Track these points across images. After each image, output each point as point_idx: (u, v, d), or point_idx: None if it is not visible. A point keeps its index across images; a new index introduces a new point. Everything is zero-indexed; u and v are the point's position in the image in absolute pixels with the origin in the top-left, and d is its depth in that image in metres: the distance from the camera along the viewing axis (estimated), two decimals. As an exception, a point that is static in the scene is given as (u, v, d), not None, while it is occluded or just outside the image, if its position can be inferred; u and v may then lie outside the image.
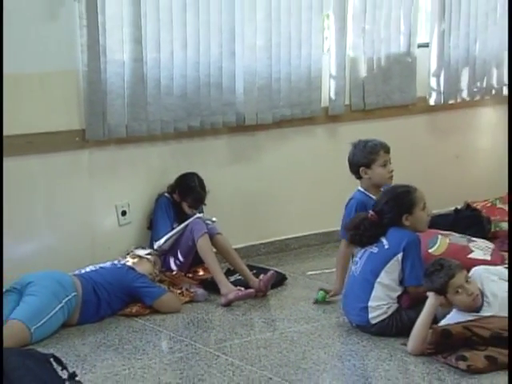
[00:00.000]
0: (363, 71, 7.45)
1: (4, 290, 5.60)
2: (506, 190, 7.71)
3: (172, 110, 6.54)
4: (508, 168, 5.91)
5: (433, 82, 7.79)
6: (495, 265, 5.99)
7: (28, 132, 5.97)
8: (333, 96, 7.31)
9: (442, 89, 7.77)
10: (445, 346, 5.04)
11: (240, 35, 6.78)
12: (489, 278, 5.43)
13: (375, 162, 6.14)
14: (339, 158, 6.57)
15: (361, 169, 6.17)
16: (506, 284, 5.43)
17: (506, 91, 8.11)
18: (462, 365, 4.84)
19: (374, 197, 6.08)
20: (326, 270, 6.64)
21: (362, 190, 6.22)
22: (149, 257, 6.19)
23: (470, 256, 6.24)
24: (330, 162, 6.97)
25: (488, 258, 6.25)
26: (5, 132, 5.76)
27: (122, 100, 6.34)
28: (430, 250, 6.06)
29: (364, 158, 6.16)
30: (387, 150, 6.19)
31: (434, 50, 7.77)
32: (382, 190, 6.12)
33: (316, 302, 5.96)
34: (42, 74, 6.00)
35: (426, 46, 7.83)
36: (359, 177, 6.23)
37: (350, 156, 6.26)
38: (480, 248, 6.33)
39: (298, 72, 7.09)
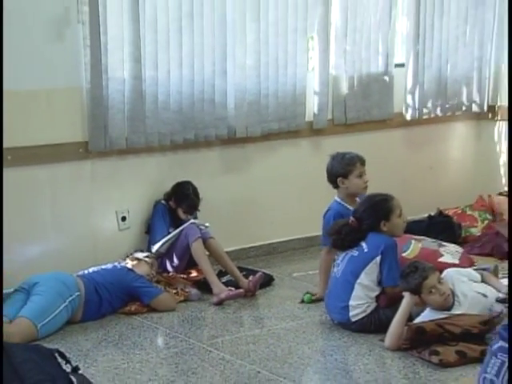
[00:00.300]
0: (345, 88, 7.43)
1: (12, 289, 5.66)
2: (475, 198, 7.81)
3: (168, 124, 6.53)
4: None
5: (408, 99, 7.79)
6: (464, 267, 6.06)
7: (36, 144, 5.95)
8: (316, 111, 7.30)
9: (416, 105, 7.77)
10: (419, 341, 5.10)
11: (231, 55, 6.76)
12: (459, 279, 5.49)
13: (352, 173, 6.18)
14: (322, 169, 6.51)
15: (338, 179, 6.20)
16: (475, 284, 5.52)
17: (475, 108, 8.15)
18: (435, 359, 4.91)
19: (349, 207, 6.15)
20: (310, 272, 6.62)
21: (338, 200, 6.26)
22: (147, 259, 6.17)
23: (440, 260, 6.34)
24: (313, 172, 6.92)
25: (456, 261, 6.37)
26: (14, 144, 5.83)
27: (122, 114, 6.31)
28: (403, 254, 6.12)
29: (342, 168, 6.19)
30: (363, 162, 6.25)
31: (410, 69, 7.79)
32: (357, 199, 6.19)
33: (302, 302, 6.01)
34: (48, 91, 5.99)
35: (402, 65, 7.83)
36: (336, 186, 6.26)
37: (329, 167, 6.30)
38: (450, 253, 6.43)
39: (285, 89, 7.07)
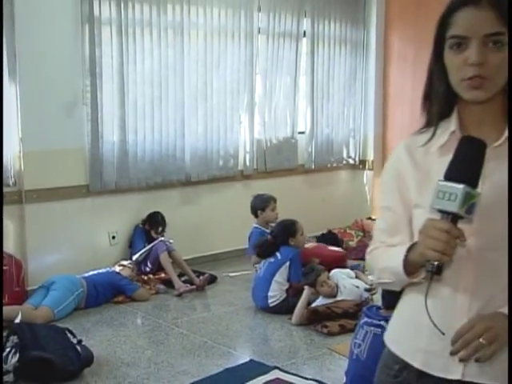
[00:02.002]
0: (264, 147, 7.37)
1: (37, 286, 5.64)
2: (352, 221, 7.94)
3: (144, 172, 6.46)
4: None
5: (306, 155, 7.77)
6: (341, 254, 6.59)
7: (53, 186, 5.90)
8: (246, 162, 7.24)
9: (313, 159, 7.75)
10: (314, 319, 5.19)
11: (187, 125, 6.69)
12: (341, 276, 5.65)
13: (267, 208, 6.36)
14: (249, 203, 6.70)
15: (258, 211, 6.39)
16: (351, 280, 5.65)
17: (351, 161, 8.24)
18: (325, 330, 5.03)
19: (265, 230, 6.29)
20: (242, 272, 6.60)
21: (257, 225, 6.39)
22: (129, 265, 6.11)
23: (329, 248, 6.67)
24: (244, 205, 6.88)
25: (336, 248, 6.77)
26: (39, 187, 5.82)
27: (112, 166, 6.24)
28: (306, 246, 6.23)
29: (260, 204, 6.41)
30: (275, 200, 6.45)
31: (308, 135, 7.72)
32: (270, 225, 6.33)
33: None
34: (62, 150, 5.95)
35: (303, 133, 7.75)
36: (256, 216, 6.42)
37: (252, 203, 6.45)
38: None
39: (224, 147, 7.01)
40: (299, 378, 4.32)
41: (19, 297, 5.55)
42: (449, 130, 1.76)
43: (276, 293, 5.57)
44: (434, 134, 1.78)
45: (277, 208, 6.50)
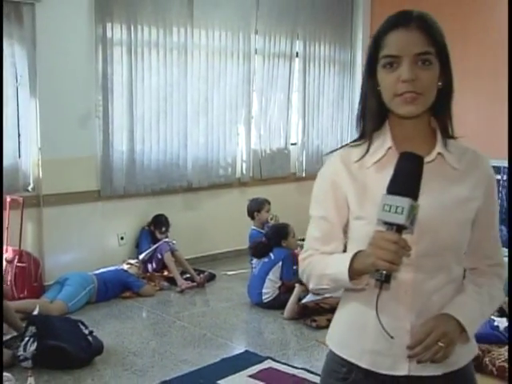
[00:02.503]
0: (260, 157, 7.30)
1: (52, 282, 5.65)
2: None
3: (150, 178, 6.44)
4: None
5: (298, 164, 7.73)
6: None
7: (68, 191, 5.93)
8: (243, 171, 7.25)
9: (304, 168, 7.72)
10: (304, 314, 5.22)
11: (190, 136, 6.69)
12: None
13: (263, 209, 6.34)
14: (246, 208, 6.72)
15: (254, 213, 6.37)
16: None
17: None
18: (314, 324, 5.06)
19: (261, 231, 6.26)
20: (239, 271, 6.60)
21: (254, 227, 6.36)
22: (136, 264, 6.11)
23: None
24: (240, 209, 6.81)
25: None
26: (56, 191, 5.84)
27: (121, 172, 6.25)
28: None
29: (256, 207, 6.38)
30: (269, 203, 6.41)
31: (299, 146, 7.70)
32: (266, 226, 6.31)
33: None
34: (77, 158, 5.98)
35: (295, 144, 7.71)
36: (253, 218, 6.39)
37: (248, 206, 6.43)
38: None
39: (223, 157, 7.01)
40: (290, 367, 4.36)
41: (37, 291, 5.58)
42: (384, 146, 1.72)
43: (269, 290, 5.59)
44: (368, 149, 1.74)
45: (270, 210, 6.49)
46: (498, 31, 6.76)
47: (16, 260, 5.51)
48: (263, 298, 5.61)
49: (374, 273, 1.58)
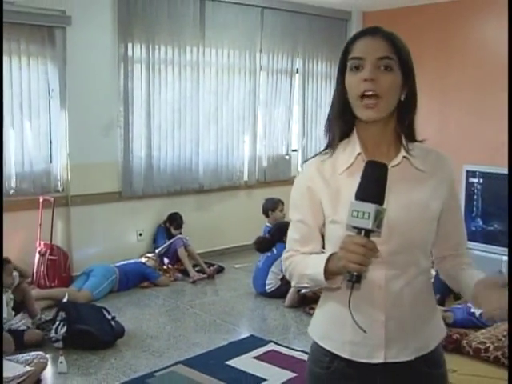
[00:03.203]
0: (264, 162, 7.33)
1: (79, 273, 5.66)
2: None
3: (166, 181, 6.46)
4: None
5: (299, 168, 7.37)
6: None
7: (93, 192, 5.97)
8: (249, 175, 7.21)
9: None
10: (303, 302, 5.23)
11: (201, 144, 6.70)
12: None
13: (277, 209, 6.19)
14: (252, 207, 6.68)
15: (269, 212, 6.20)
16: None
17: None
18: (312, 311, 4.79)
19: None
20: (246, 264, 6.55)
21: (268, 224, 6.14)
22: (153, 257, 6.14)
23: None
24: (247, 209, 6.95)
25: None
26: (82, 192, 5.87)
27: (140, 176, 6.27)
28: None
29: (271, 206, 6.20)
30: (283, 203, 6.20)
31: (300, 153, 7.63)
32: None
33: None
34: (101, 163, 6.02)
35: (296, 150, 7.66)
36: (267, 216, 6.21)
37: (264, 205, 6.25)
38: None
39: (231, 162, 7.01)
40: (290, 350, 4.40)
41: (66, 281, 5.63)
42: (354, 153, 1.69)
43: (272, 281, 5.58)
44: (339, 156, 1.71)
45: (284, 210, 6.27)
46: (478, 48, 6.81)
47: (48, 253, 5.57)
48: (266, 288, 5.61)
49: (346, 274, 1.55)
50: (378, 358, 1.68)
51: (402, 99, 1.66)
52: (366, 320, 1.64)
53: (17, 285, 4.57)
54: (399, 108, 1.67)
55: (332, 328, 1.75)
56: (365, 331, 1.63)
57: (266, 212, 6.26)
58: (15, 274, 4.59)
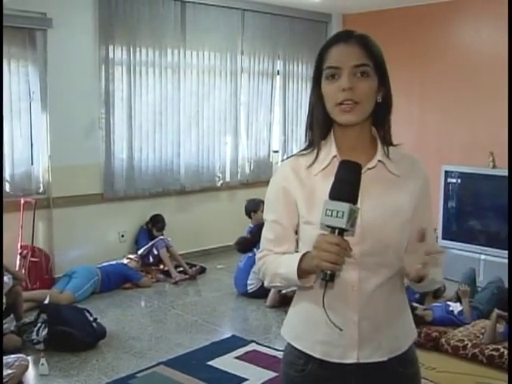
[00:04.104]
0: (245, 163, 7.31)
1: (61, 274, 5.63)
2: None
3: (147, 182, 6.46)
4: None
5: None
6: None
7: (75, 194, 5.95)
8: (231, 176, 7.22)
9: None
10: (284, 302, 5.11)
11: (182, 145, 6.71)
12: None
13: (259, 209, 5.99)
14: (234, 208, 6.73)
15: (251, 213, 6.11)
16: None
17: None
18: None
19: None
20: (227, 265, 6.54)
21: (251, 225, 6.06)
22: (135, 258, 6.13)
23: None
24: (228, 210, 6.98)
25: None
26: (62, 194, 5.83)
27: (121, 178, 6.27)
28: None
29: (253, 206, 6.09)
30: (264, 203, 6.22)
31: (280, 153, 7.63)
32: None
33: None
34: (83, 165, 6.01)
35: (277, 151, 7.70)
36: (250, 217, 6.13)
37: (246, 206, 6.17)
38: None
39: (213, 163, 7.01)
40: (271, 350, 4.42)
41: (48, 283, 5.62)
42: (330, 155, 1.70)
43: (253, 281, 5.57)
44: (316, 158, 1.72)
45: None
46: (454, 55, 6.88)
47: (29, 255, 5.55)
48: (248, 288, 5.61)
49: (320, 273, 1.55)
50: (351, 359, 1.68)
51: (379, 101, 1.68)
52: (339, 320, 1.64)
53: (10, 288, 4.55)
54: (375, 110, 1.69)
55: (305, 328, 1.74)
56: (341, 329, 1.63)
57: (248, 213, 6.22)
58: (9, 276, 4.58)
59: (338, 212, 1.50)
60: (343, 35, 1.67)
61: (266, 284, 1.79)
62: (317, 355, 1.71)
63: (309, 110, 1.75)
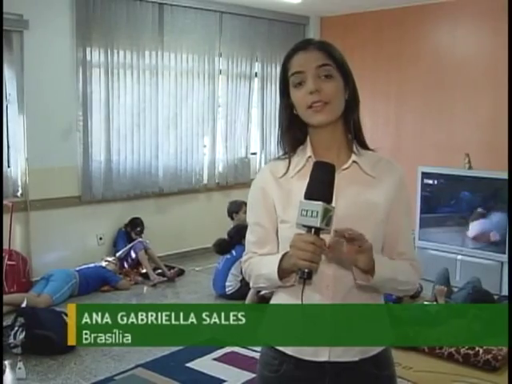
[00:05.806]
0: (224, 165, 7.32)
1: (39, 278, 5.61)
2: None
3: (126, 185, 6.45)
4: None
5: (258, 170, 7.59)
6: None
7: (52, 197, 5.92)
8: (209, 178, 7.22)
9: None
10: (262, 303, 5.10)
11: (161, 147, 6.70)
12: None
13: (240, 211, 6.10)
14: (212, 210, 6.75)
15: (233, 214, 6.16)
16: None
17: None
18: None
19: None
20: (206, 266, 6.57)
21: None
22: (113, 261, 6.11)
23: None
24: (207, 212, 6.98)
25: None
26: (42, 197, 5.82)
27: (99, 180, 6.24)
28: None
29: (235, 208, 6.15)
30: (246, 204, 6.21)
31: (258, 155, 7.66)
32: None
33: None
34: (60, 168, 5.98)
35: (255, 154, 7.71)
36: (232, 218, 6.17)
37: (228, 208, 6.21)
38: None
39: (191, 166, 6.99)
40: (250, 351, 4.37)
41: (25, 286, 5.57)
42: (305, 156, 1.74)
43: (232, 283, 5.60)
44: (290, 161, 1.76)
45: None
46: (430, 57, 6.97)
47: (6, 258, 5.50)
48: (226, 290, 5.63)
49: (298, 271, 1.59)
50: (323, 357, 1.71)
51: (346, 99, 1.72)
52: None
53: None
54: (346, 110, 1.74)
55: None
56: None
57: (230, 215, 6.23)
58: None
59: (312, 212, 1.54)
60: (302, 44, 1.74)
61: (251, 285, 1.83)
62: (290, 352, 1.73)
63: (279, 120, 1.80)
